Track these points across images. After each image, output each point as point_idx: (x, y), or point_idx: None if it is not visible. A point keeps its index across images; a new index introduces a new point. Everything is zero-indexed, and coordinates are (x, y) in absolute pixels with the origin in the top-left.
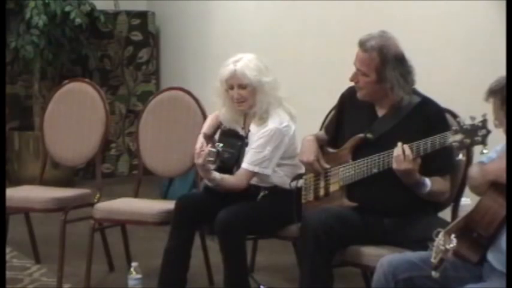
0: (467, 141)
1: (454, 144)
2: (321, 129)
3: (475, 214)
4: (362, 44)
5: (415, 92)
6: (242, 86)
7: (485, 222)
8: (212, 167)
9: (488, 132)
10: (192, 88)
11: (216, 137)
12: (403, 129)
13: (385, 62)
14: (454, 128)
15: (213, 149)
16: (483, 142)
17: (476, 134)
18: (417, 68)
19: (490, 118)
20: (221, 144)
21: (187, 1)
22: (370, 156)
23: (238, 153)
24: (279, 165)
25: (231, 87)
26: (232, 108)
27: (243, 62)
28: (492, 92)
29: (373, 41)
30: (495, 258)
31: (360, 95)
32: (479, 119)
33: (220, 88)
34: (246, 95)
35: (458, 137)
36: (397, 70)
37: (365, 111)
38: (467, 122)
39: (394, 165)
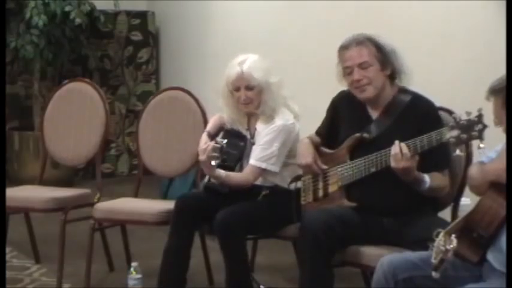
0: (464, 136)
1: (451, 140)
2: None
3: (475, 214)
4: (348, 45)
5: (406, 90)
6: (249, 88)
7: (485, 222)
8: (214, 162)
9: (485, 126)
10: (192, 88)
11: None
12: (398, 129)
13: (380, 48)
14: (450, 124)
15: (217, 145)
16: (480, 137)
17: (472, 129)
18: (417, 68)
19: (486, 113)
20: (225, 140)
21: (187, 1)
22: (368, 156)
23: (241, 154)
24: (284, 164)
25: (237, 89)
26: (236, 110)
27: (250, 63)
28: (494, 91)
29: (358, 37)
30: (495, 258)
31: (365, 92)
32: (475, 114)
33: (225, 90)
34: (252, 96)
35: (455, 132)
36: (391, 53)
37: (358, 114)
38: (464, 117)
39: (392, 164)
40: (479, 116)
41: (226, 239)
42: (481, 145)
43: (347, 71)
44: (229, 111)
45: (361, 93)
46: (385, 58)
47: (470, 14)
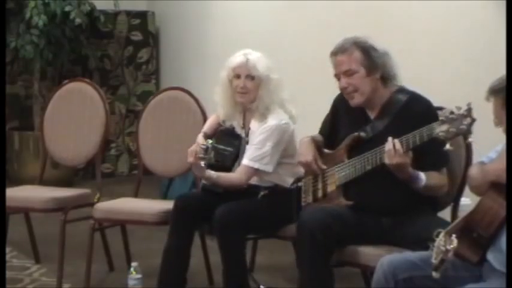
0: (453, 130)
1: (440, 134)
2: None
3: (475, 214)
4: (337, 51)
5: (403, 90)
6: (250, 77)
7: (485, 222)
8: (202, 163)
9: (473, 120)
10: (192, 88)
11: None
12: (395, 128)
13: (366, 52)
14: (440, 118)
15: (203, 146)
16: (468, 130)
17: (461, 123)
18: (417, 68)
19: (486, 113)
20: (210, 141)
21: (187, 1)
22: (364, 154)
23: (237, 152)
24: (279, 163)
25: (238, 76)
26: (232, 103)
27: (255, 55)
28: (493, 91)
29: (345, 43)
30: (495, 258)
31: (354, 99)
32: (464, 108)
33: (225, 79)
34: (250, 87)
35: (445, 127)
36: (381, 56)
37: (357, 116)
38: (454, 111)
39: (386, 160)
40: (468, 110)
41: (224, 235)
42: (470, 139)
43: (336, 78)
44: (225, 105)
45: (350, 100)
46: (372, 63)
47: (470, 14)
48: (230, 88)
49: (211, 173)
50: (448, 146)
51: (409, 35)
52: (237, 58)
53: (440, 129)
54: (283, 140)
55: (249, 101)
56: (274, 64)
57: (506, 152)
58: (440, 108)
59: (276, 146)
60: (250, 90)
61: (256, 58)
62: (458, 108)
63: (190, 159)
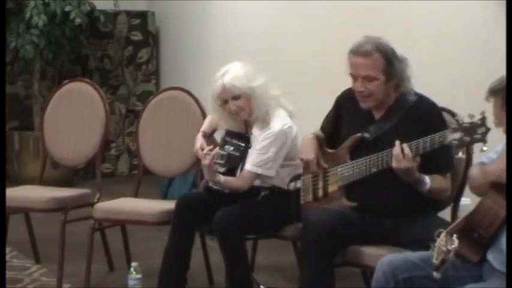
0: (467, 139)
1: (453, 142)
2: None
3: (475, 214)
4: (357, 52)
5: (412, 92)
6: (235, 97)
7: (486, 223)
8: (221, 169)
9: (488, 129)
10: (192, 88)
11: (217, 137)
12: (400, 130)
13: (389, 59)
14: (453, 126)
15: (224, 152)
16: (483, 140)
17: (475, 131)
18: (417, 68)
19: (489, 116)
20: (232, 148)
21: (187, 1)
22: (369, 156)
23: (243, 156)
24: (281, 166)
25: (225, 102)
26: (231, 120)
27: (230, 74)
28: (493, 92)
29: (368, 45)
30: (495, 258)
31: (367, 103)
32: (478, 116)
33: (215, 105)
34: (242, 105)
35: (458, 135)
36: (401, 62)
37: (362, 115)
38: (466, 120)
39: (394, 164)
40: (483, 119)
41: (225, 240)
42: (484, 148)
43: (352, 78)
44: (225, 123)
45: (361, 102)
46: (393, 71)
47: (470, 14)
48: (224, 111)
49: (220, 177)
50: (460, 154)
51: (409, 35)
52: (216, 85)
53: (453, 137)
54: (287, 145)
55: (248, 115)
56: (270, 63)
57: (506, 152)
58: (444, 109)
59: (279, 151)
60: (243, 107)
61: (232, 76)
62: (472, 116)
63: (206, 161)
